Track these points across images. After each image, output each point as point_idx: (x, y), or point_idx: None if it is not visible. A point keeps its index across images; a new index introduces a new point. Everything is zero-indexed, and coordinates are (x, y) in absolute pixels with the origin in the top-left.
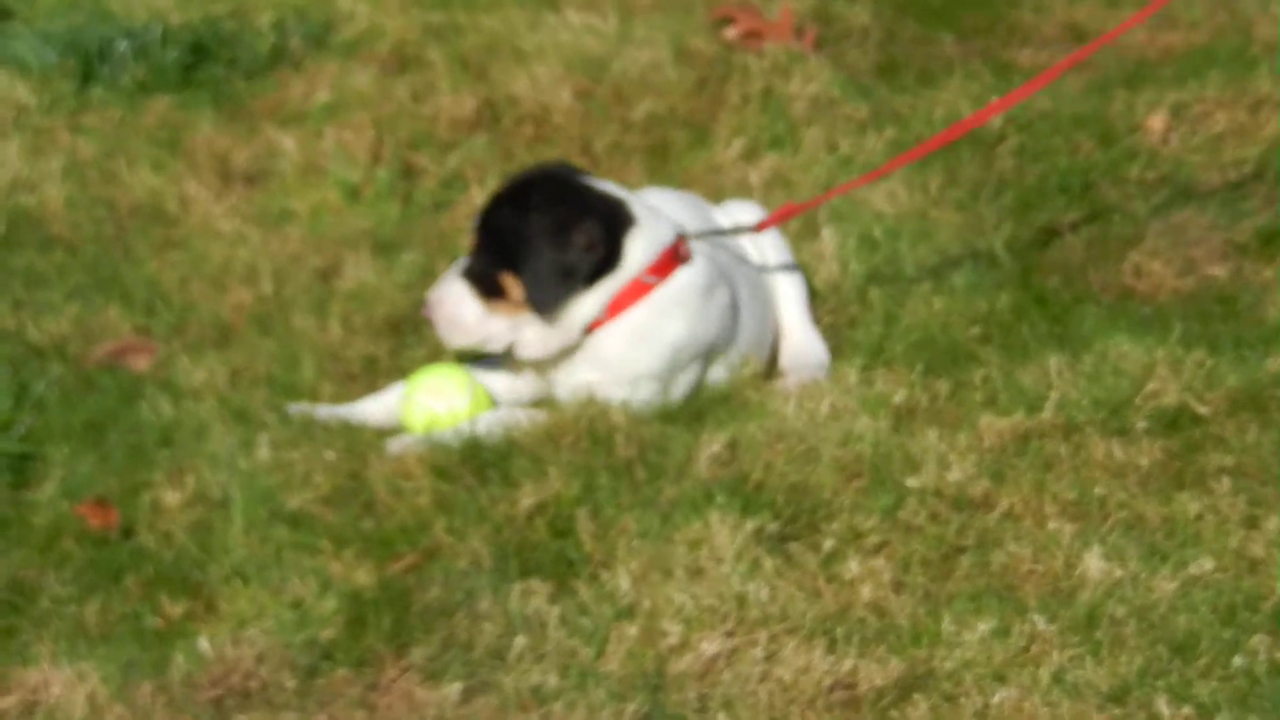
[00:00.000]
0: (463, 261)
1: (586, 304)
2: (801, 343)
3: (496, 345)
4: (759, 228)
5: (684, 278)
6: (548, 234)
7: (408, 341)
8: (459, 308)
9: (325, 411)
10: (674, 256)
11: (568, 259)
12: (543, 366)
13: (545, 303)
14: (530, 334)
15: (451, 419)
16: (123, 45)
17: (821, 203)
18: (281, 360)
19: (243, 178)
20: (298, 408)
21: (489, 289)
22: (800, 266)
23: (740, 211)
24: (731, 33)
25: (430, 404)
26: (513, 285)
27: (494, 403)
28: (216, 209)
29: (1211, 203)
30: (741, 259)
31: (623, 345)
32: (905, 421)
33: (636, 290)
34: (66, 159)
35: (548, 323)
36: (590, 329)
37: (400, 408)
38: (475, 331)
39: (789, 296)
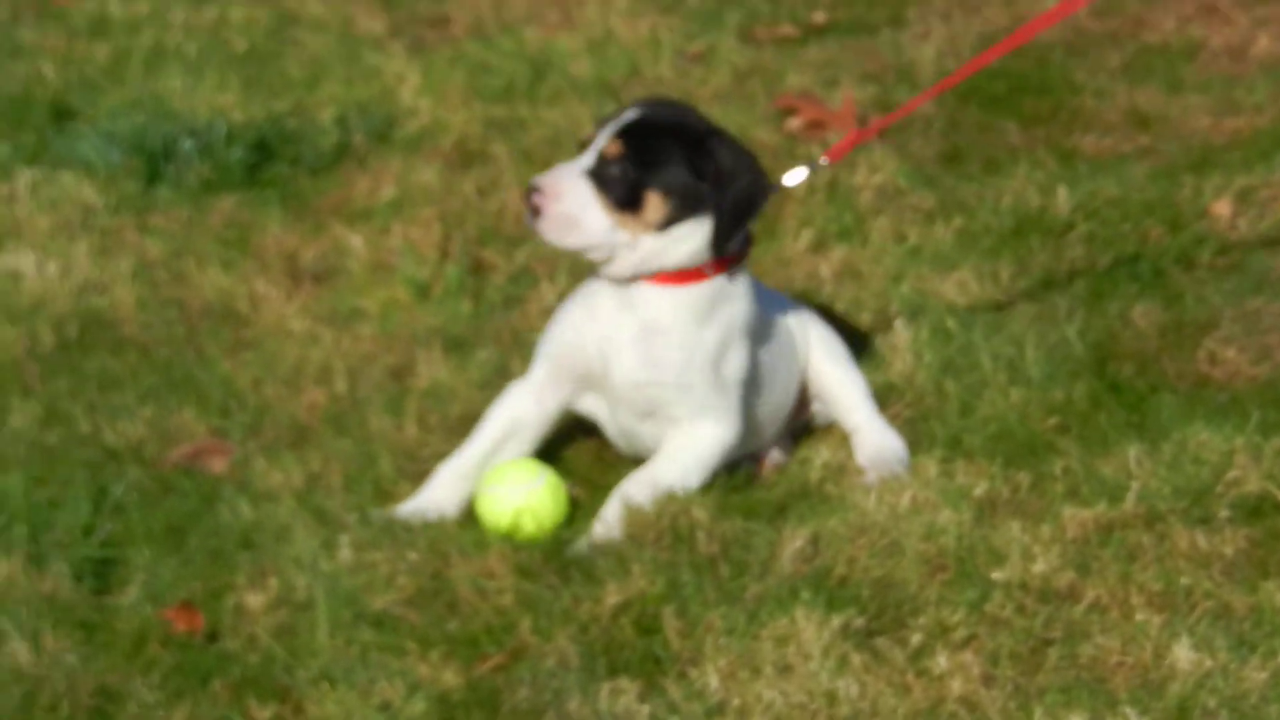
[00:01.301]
0: (584, 160)
1: (690, 249)
2: (876, 438)
3: (602, 255)
4: (831, 157)
5: (741, 286)
6: (749, 170)
7: None
8: (584, 210)
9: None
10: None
11: (756, 200)
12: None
13: (728, 239)
14: (634, 254)
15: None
16: (187, 144)
17: (890, 123)
18: (358, 460)
19: (311, 276)
20: (379, 513)
21: (625, 200)
22: (856, 363)
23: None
24: (795, 124)
25: (508, 495)
26: (656, 205)
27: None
28: (287, 308)
29: None
30: (787, 329)
31: (686, 312)
32: (987, 514)
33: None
34: (135, 260)
35: (671, 252)
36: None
37: (480, 509)
38: (596, 238)
39: (853, 393)
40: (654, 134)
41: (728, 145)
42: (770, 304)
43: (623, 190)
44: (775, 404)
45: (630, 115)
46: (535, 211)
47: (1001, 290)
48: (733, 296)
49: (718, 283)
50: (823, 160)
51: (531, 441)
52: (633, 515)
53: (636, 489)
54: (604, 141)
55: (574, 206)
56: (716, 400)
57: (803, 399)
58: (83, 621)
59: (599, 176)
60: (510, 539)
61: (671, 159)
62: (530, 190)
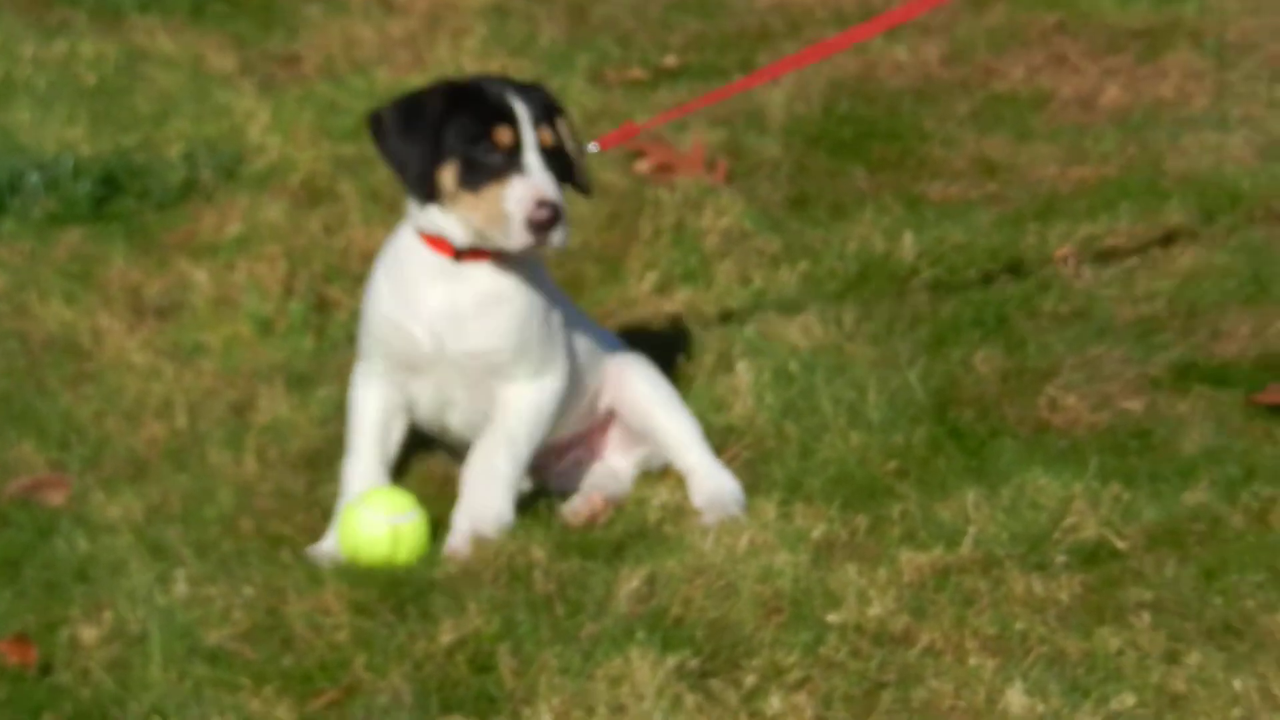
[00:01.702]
0: (534, 159)
1: None
2: (713, 481)
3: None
4: (602, 145)
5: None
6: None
7: (324, 475)
8: (564, 209)
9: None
10: None
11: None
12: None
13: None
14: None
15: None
16: (33, 177)
17: (663, 121)
18: (197, 495)
19: (155, 311)
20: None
21: (563, 180)
22: (685, 405)
23: None
24: (643, 166)
25: (386, 519)
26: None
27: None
28: (129, 342)
29: (1125, 336)
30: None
31: (520, 276)
32: (824, 557)
33: None
34: None
35: None
36: None
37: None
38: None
39: (688, 436)
40: (549, 110)
41: (564, 108)
42: (592, 332)
43: (563, 171)
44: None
45: (517, 99)
46: (550, 224)
47: (845, 334)
48: (543, 257)
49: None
50: (593, 146)
51: (405, 421)
52: (477, 548)
53: (490, 457)
54: (533, 135)
55: (563, 207)
56: (550, 353)
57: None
58: None
59: (550, 168)
60: (357, 565)
61: (562, 130)
62: (542, 205)
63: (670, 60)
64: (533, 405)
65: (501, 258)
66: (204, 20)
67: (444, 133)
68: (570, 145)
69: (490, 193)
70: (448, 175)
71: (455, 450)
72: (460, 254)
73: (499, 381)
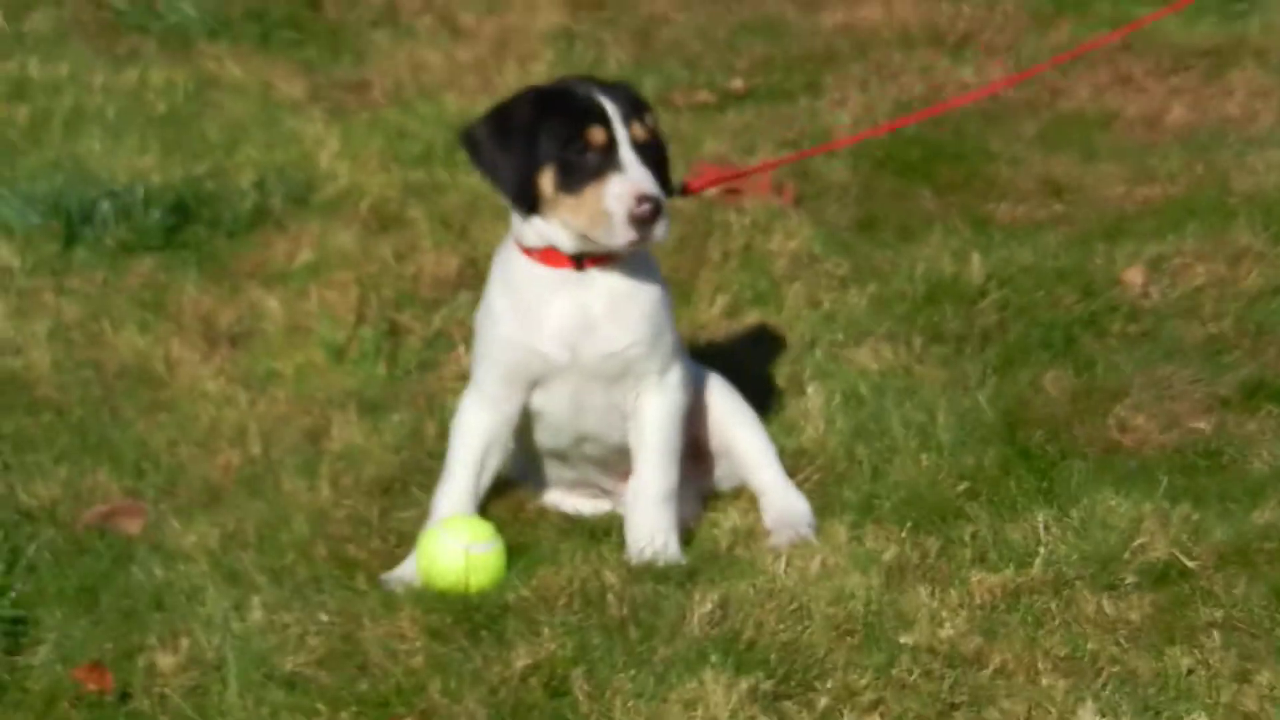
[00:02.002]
0: (629, 155)
1: None
2: (785, 501)
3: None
4: (689, 189)
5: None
6: None
7: (398, 502)
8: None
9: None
10: None
11: None
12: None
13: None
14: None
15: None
16: (105, 206)
17: (751, 174)
18: (272, 522)
19: (228, 338)
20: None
21: (663, 175)
22: (762, 425)
23: None
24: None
25: (465, 547)
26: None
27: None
28: (203, 370)
29: (1194, 356)
30: None
31: (641, 272)
32: (896, 579)
33: None
34: (52, 321)
35: None
36: None
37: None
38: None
39: (762, 454)
40: (638, 107)
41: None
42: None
43: (661, 167)
44: None
45: (605, 97)
46: (652, 218)
47: (914, 356)
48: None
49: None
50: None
51: (505, 450)
52: (544, 578)
53: (656, 469)
54: (625, 131)
55: (663, 200)
56: (675, 343)
57: (709, 460)
58: None
59: (645, 163)
60: (433, 592)
61: (653, 123)
62: (643, 200)
63: (737, 83)
64: (669, 411)
65: (620, 258)
66: (272, 47)
67: (537, 139)
68: (661, 138)
69: (590, 193)
70: (546, 181)
71: (585, 463)
72: (580, 263)
73: (633, 380)
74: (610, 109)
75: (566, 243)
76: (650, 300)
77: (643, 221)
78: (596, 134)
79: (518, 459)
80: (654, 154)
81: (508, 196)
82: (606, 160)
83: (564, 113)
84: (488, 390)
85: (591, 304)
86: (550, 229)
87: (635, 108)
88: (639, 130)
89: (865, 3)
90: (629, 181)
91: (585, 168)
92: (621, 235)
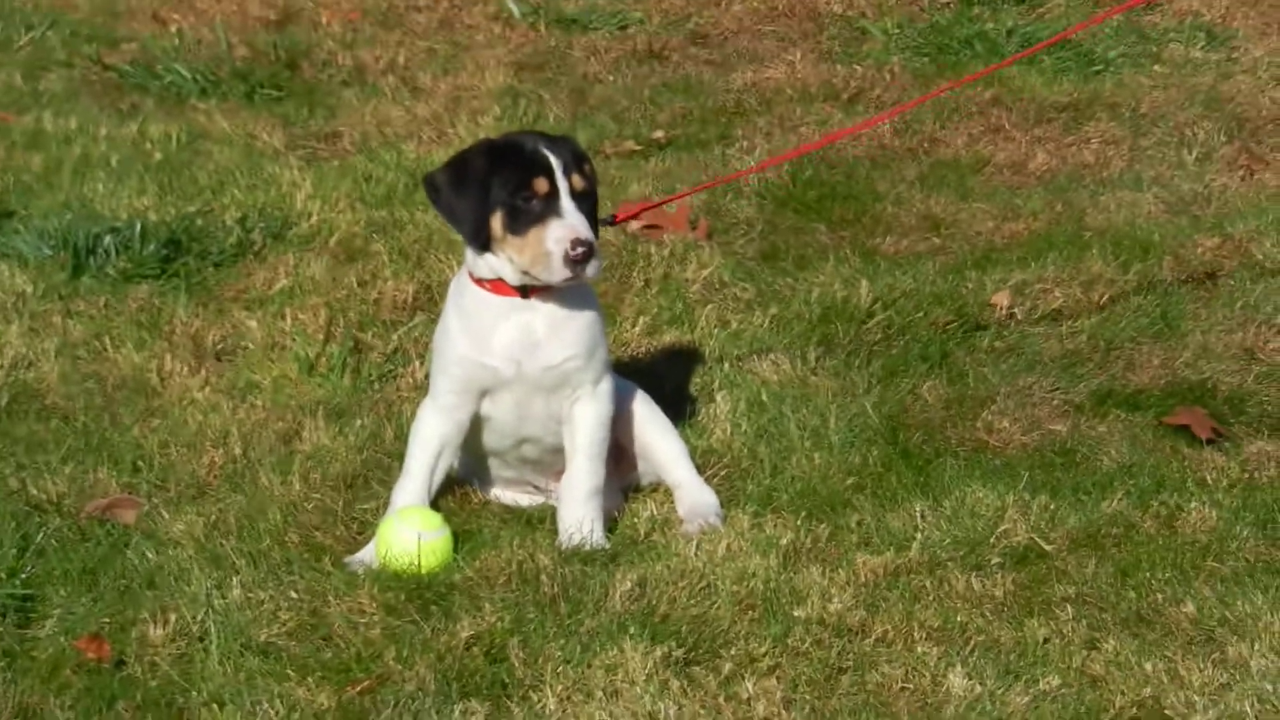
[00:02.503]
0: (569, 203)
1: None
2: (696, 494)
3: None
4: (616, 219)
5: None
6: None
7: (360, 495)
8: (596, 245)
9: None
10: None
11: None
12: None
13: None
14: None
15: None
16: (108, 240)
17: (668, 203)
18: (250, 512)
19: (214, 354)
20: (355, 559)
21: (594, 219)
22: (677, 430)
23: None
24: (635, 226)
25: (418, 535)
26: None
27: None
28: (192, 382)
29: (1052, 368)
30: None
31: (578, 295)
32: (791, 560)
33: None
34: (60, 339)
35: None
36: None
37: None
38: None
39: (675, 454)
40: (578, 158)
41: (586, 152)
42: None
43: (594, 214)
44: None
45: (550, 151)
46: (585, 260)
47: (809, 369)
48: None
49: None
50: (610, 218)
51: (455, 452)
52: (485, 560)
53: (577, 479)
54: (566, 182)
55: (596, 243)
56: (606, 358)
57: (629, 460)
58: (5, 650)
59: (582, 210)
60: (389, 572)
61: (590, 174)
62: (578, 244)
63: (659, 134)
64: (599, 418)
65: (559, 288)
66: (256, 104)
67: (489, 186)
68: (596, 186)
69: (533, 235)
70: (496, 223)
71: (523, 463)
72: (525, 292)
73: (569, 390)
74: (554, 161)
75: (512, 276)
76: (586, 321)
77: (577, 262)
78: (541, 184)
79: (465, 460)
80: (589, 201)
81: (464, 236)
82: (548, 207)
83: (513, 163)
84: (442, 400)
85: (535, 325)
86: (499, 264)
87: (576, 160)
88: (578, 180)
89: (770, 64)
90: (567, 226)
91: (530, 213)
92: (559, 273)
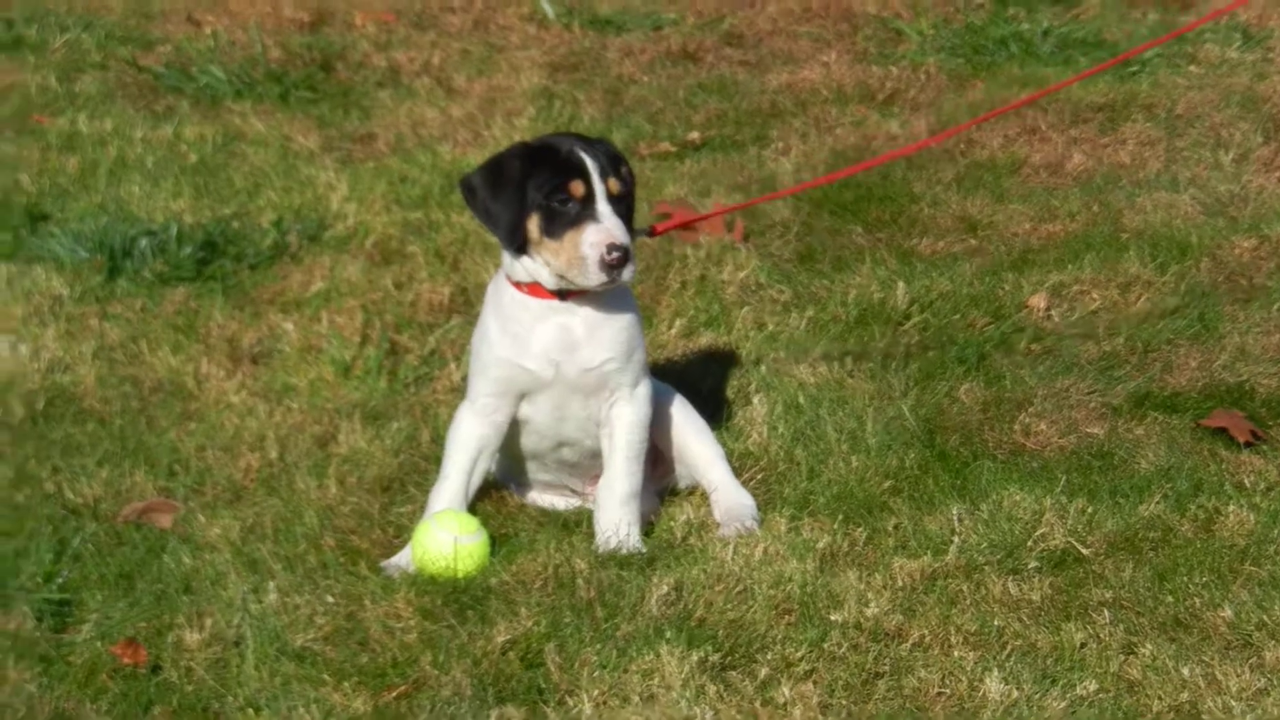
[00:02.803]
0: (605, 207)
1: None
2: (732, 497)
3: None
4: (654, 231)
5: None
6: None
7: (396, 499)
8: (629, 245)
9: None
10: None
11: None
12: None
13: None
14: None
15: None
16: (144, 243)
17: (707, 219)
18: (286, 516)
19: (250, 357)
20: (391, 563)
21: (630, 223)
22: (714, 433)
23: None
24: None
25: (454, 539)
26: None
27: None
28: (228, 385)
29: (1089, 370)
30: None
31: (616, 298)
32: (828, 564)
33: None
34: (97, 342)
35: None
36: None
37: (426, 541)
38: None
39: (713, 457)
40: (614, 161)
41: (623, 155)
42: None
43: (630, 216)
44: None
45: (586, 154)
46: (621, 264)
47: (846, 371)
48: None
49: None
50: (648, 230)
51: (493, 456)
52: (522, 564)
53: (615, 482)
54: (602, 185)
55: (632, 248)
56: (644, 361)
57: (666, 463)
58: (42, 655)
59: (618, 213)
60: (425, 576)
61: (626, 178)
62: (614, 249)
63: (694, 135)
64: (637, 421)
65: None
66: (290, 105)
67: (526, 189)
68: (632, 189)
69: (569, 238)
70: (532, 225)
71: (561, 466)
72: (563, 295)
73: (608, 393)
74: (590, 164)
75: (549, 280)
76: (624, 323)
77: (612, 266)
78: (577, 187)
79: (502, 463)
80: (625, 205)
81: (500, 238)
82: (585, 210)
83: (549, 166)
84: (480, 402)
85: (573, 327)
86: (535, 267)
87: (613, 163)
88: (614, 184)
89: (805, 65)
90: (603, 230)
91: (566, 216)
92: (594, 277)
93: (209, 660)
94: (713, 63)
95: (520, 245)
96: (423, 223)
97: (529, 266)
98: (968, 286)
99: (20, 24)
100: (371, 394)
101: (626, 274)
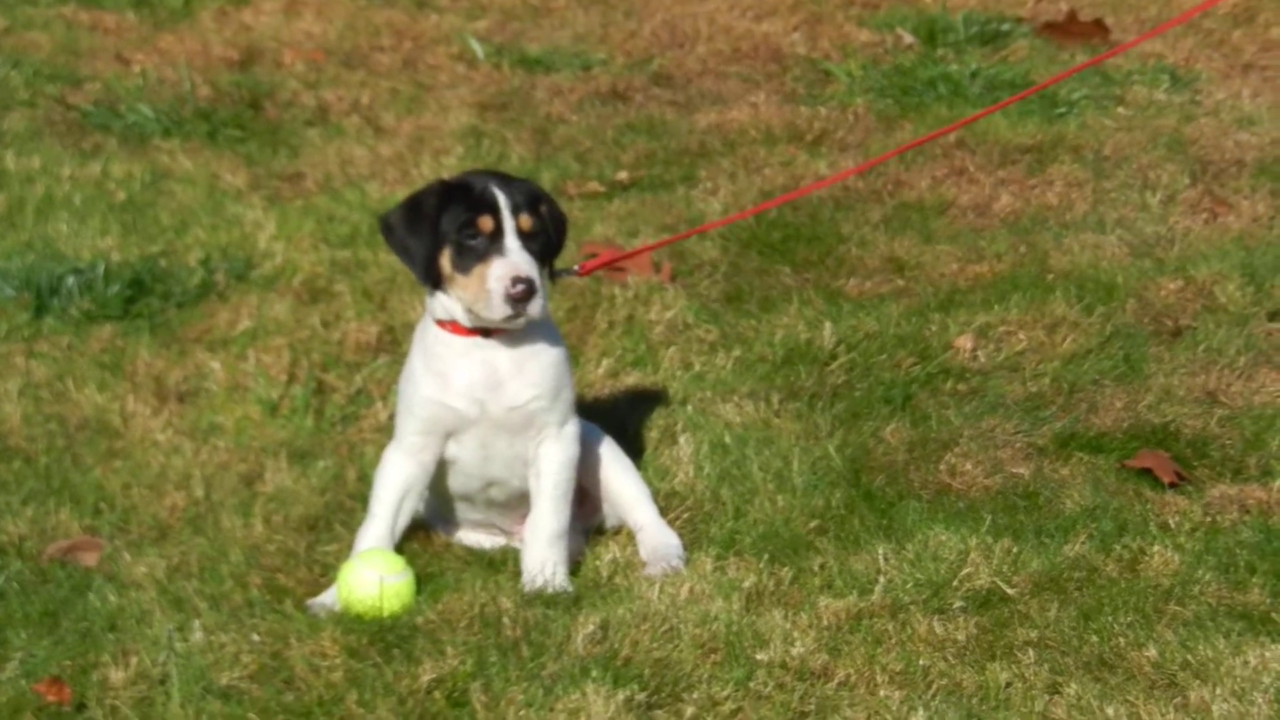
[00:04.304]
0: (514, 242)
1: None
2: (658, 536)
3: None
4: (582, 271)
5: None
6: (559, 212)
7: (322, 537)
8: (538, 281)
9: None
10: None
11: (564, 235)
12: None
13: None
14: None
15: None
16: (71, 281)
17: (633, 256)
18: (212, 555)
19: (176, 396)
20: (316, 602)
21: (546, 261)
22: (639, 473)
23: None
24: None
25: (379, 578)
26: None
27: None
28: (154, 423)
29: (1015, 410)
30: None
31: (542, 336)
32: (754, 603)
33: None
34: (22, 380)
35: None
36: None
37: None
38: (546, 302)
39: (639, 497)
40: (530, 198)
41: (542, 190)
42: None
43: (545, 253)
44: None
45: (499, 190)
46: (525, 298)
47: (772, 411)
48: (552, 319)
49: (546, 308)
50: (575, 269)
51: (420, 495)
52: (448, 603)
53: (551, 510)
54: (513, 221)
55: (538, 282)
56: (572, 399)
57: (592, 502)
58: None
59: (528, 249)
60: (352, 615)
61: (540, 214)
62: (518, 282)
63: (623, 175)
64: (565, 460)
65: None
66: (219, 143)
67: (440, 223)
68: (551, 229)
69: (476, 272)
70: (445, 260)
71: (490, 506)
72: (487, 331)
73: (534, 431)
74: (502, 200)
75: (463, 317)
76: (551, 360)
77: (517, 300)
78: (486, 222)
79: (430, 503)
80: (540, 242)
81: (415, 272)
82: (493, 245)
83: (462, 201)
84: (407, 441)
85: (498, 364)
86: (450, 303)
87: (529, 201)
88: (525, 220)
89: (734, 106)
90: (508, 264)
91: (475, 250)
92: (499, 310)
93: (134, 699)
94: (641, 102)
95: (436, 281)
96: (350, 261)
97: (445, 304)
98: (894, 327)
99: None
100: (298, 433)
101: (533, 308)
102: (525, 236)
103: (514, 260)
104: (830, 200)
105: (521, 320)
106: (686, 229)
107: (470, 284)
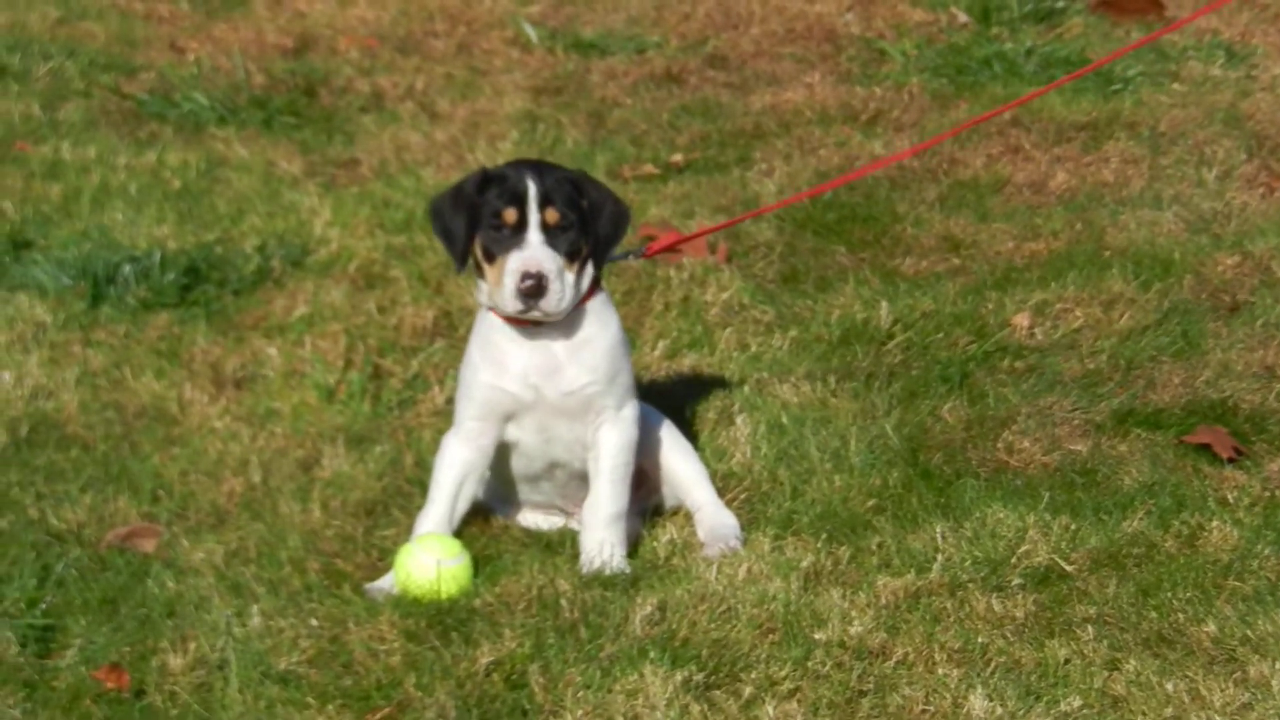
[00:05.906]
0: (536, 236)
1: (588, 275)
2: (716, 517)
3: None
4: (648, 252)
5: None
6: (612, 200)
7: (380, 522)
8: (560, 276)
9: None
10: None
11: (621, 224)
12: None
13: (604, 259)
14: (569, 295)
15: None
16: (127, 269)
17: (697, 237)
18: (270, 540)
19: (233, 382)
20: (374, 587)
21: (572, 256)
22: (698, 454)
23: None
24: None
25: (437, 562)
26: (584, 250)
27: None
28: (211, 410)
29: (1072, 388)
30: None
31: (597, 322)
32: (812, 583)
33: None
34: (80, 369)
35: (581, 282)
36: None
37: (408, 565)
38: (570, 296)
39: (696, 477)
40: (562, 192)
41: (591, 183)
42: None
43: (570, 248)
44: None
45: (531, 182)
46: (535, 293)
47: (829, 391)
48: (610, 304)
49: (602, 295)
50: (639, 251)
51: (480, 482)
52: (505, 586)
53: (600, 503)
54: (538, 214)
55: (557, 277)
56: (630, 382)
57: (651, 483)
58: (26, 681)
59: (552, 244)
60: (409, 599)
61: (576, 207)
62: (527, 277)
63: (678, 157)
64: (623, 443)
65: (577, 309)
66: (274, 131)
67: (476, 212)
68: (594, 221)
69: (499, 263)
70: (478, 249)
71: (554, 488)
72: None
73: (593, 414)
74: (531, 192)
75: (493, 305)
76: (607, 344)
77: (526, 294)
78: (510, 214)
79: (491, 486)
80: (569, 236)
81: (453, 258)
82: (515, 237)
83: (496, 191)
84: (466, 427)
85: (555, 350)
86: (487, 290)
87: (564, 194)
88: (552, 214)
89: (789, 86)
90: (522, 258)
91: (500, 241)
92: (510, 304)
93: (193, 684)
94: (696, 85)
95: (478, 268)
96: (406, 247)
97: (485, 291)
98: (951, 306)
99: (3, 52)
100: (355, 418)
101: (547, 304)
102: (550, 230)
103: (529, 254)
104: (885, 180)
105: (537, 314)
106: (742, 210)
107: (493, 274)
